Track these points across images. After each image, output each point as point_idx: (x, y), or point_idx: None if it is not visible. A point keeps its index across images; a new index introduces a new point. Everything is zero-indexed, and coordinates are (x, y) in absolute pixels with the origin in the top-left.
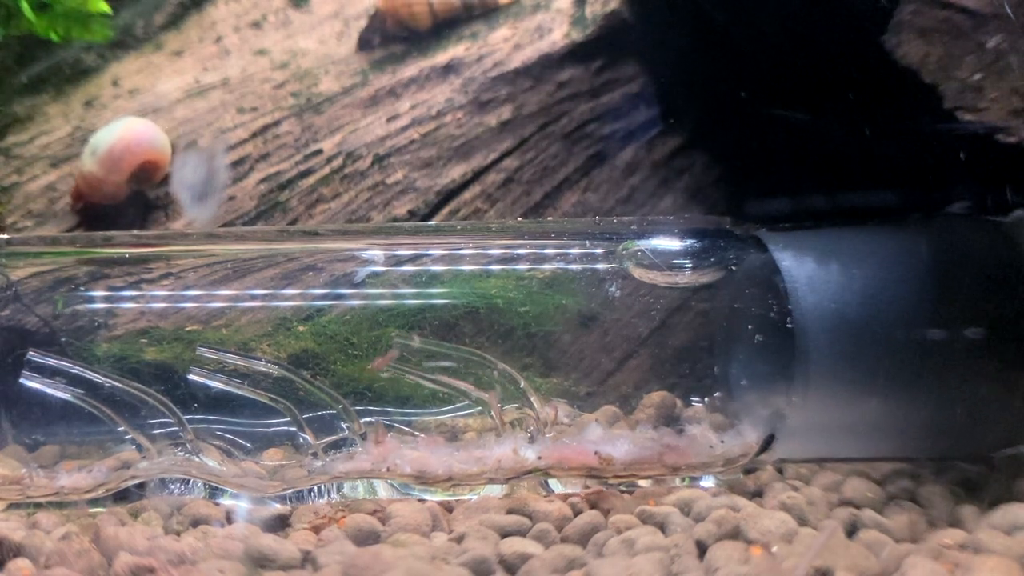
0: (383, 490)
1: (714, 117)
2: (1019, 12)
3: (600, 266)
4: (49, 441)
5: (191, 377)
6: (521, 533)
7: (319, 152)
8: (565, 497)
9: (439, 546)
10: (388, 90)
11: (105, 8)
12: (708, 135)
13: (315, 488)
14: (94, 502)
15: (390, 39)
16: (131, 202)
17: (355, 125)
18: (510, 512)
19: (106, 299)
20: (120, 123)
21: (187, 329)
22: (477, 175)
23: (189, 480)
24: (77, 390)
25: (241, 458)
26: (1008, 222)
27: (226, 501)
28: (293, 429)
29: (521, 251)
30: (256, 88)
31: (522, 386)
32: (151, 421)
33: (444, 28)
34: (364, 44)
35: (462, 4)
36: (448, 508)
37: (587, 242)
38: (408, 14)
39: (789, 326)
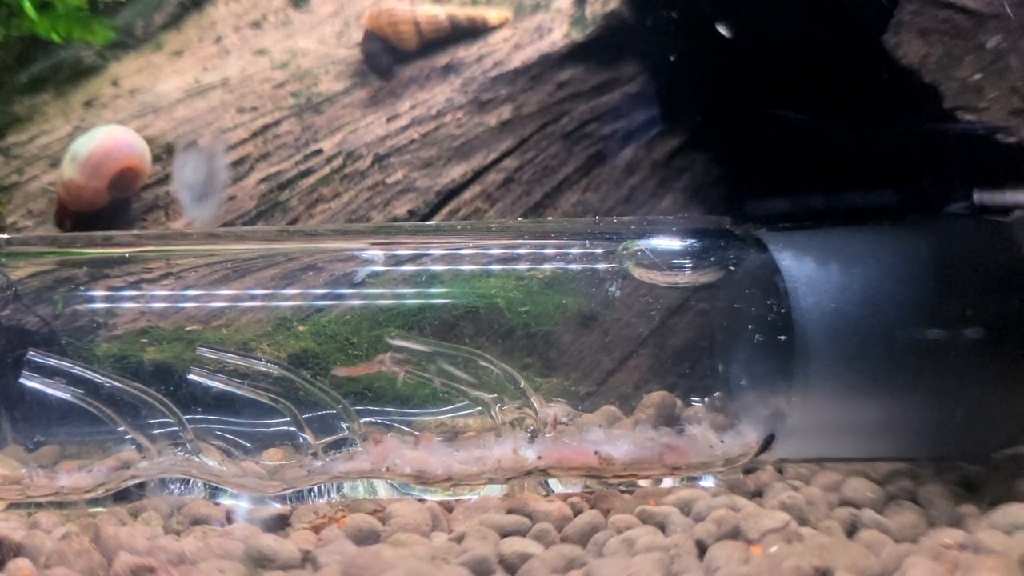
0: (383, 490)
1: (714, 117)
2: (1019, 12)
3: (600, 266)
4: (49, 441)
5: (191, 377)
6: (521, 533)
7: (319, 152)
8: (565, 497)
9: (439, 546)
10: (388, 90)
11: None
12: (708, 135)
13: (315, 488)
14: (94, 502)
15: (373, 56)
16: (113, 209)
17: (355, 125)
18: (510, 512)
19: (106, 299)
20: (99, 130)
21: (187, 329)
22: (477, 175)
23: (189, 480)
24: (77, 390)
25: (241, 458)
26: (1008, 222)
27: (226, 501)
28: (293, 429)
29: (521, 251)
30: (256, 88)
31: (522, 386)
32: (151, 421)
33: (432, 48)
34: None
35: (450, 24)
36: (448, 508)
37: (587, 242)
38: (394, 33)
39: (789, 326)
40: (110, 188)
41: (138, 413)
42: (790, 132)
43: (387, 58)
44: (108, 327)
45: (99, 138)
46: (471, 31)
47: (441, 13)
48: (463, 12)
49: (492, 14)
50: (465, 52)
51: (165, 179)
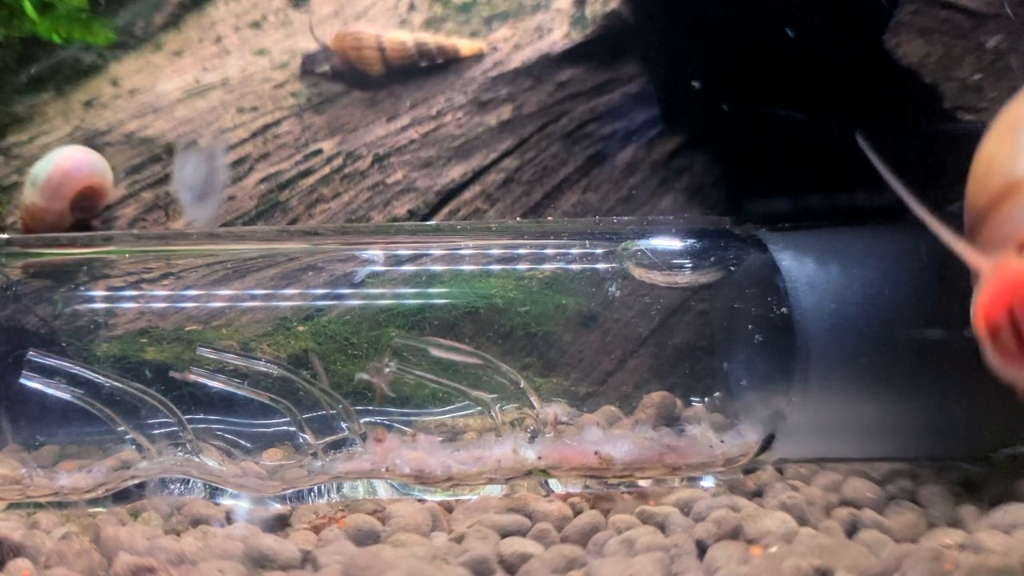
0: (383, 490)
1: (714, 117)
2: (1019, 12)
3: (600, 266)
4: (49, 441)
5: (190, 377)
6: (521, 533)
7: (319, 152)
8: (565, 497)
9: (439, 546)
10: (388, 90)
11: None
12: (708, 135)
13: (315, 488)
14: (94, 502)
15: (339, 77)
16: (77, 230)
17: (355, 125)
18: (510, 512)
19: (106, 299)
20: (56, 152)
21: (187, 329)
22: (477, 175)
23: (189, 480)
24: (77, 390)
25: (241, 458)
26: None
27: (226, 501)
28: (293, 429)
29: (521, 251)
30: (256, 88)
31: (522, 386)
32: (151, 421)
33: (397, 75)
34: (306, 72)
35: (417, 52)
36: (448, 508)
37: (587, 242)
38: (357, 58)
39: (789, 326)
40: (72, 209)
41: (138, 413)
42: (790, 132)
43: (324, 70)
44: (108, 327)
45: (57, 160)
46: (441, 59)
47: (409, 40)
48: (433, 40)
49: (464, 44)
50: None
51: (165, 179)
